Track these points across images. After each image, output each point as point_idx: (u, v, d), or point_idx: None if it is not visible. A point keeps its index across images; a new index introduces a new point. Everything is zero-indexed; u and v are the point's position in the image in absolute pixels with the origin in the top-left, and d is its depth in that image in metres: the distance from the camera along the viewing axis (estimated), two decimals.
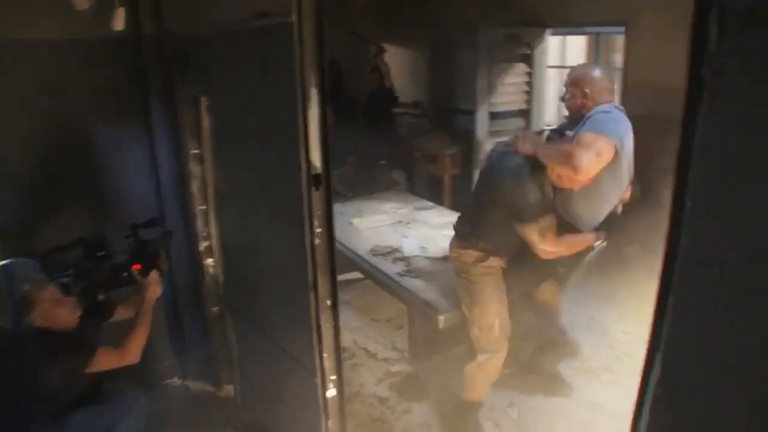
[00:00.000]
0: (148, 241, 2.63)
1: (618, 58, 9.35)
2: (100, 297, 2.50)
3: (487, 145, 5.31)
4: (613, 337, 3.73)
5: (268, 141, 2.25)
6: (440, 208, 4.59)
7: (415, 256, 3.50)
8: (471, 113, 5.22)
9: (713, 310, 0.85)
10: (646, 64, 4.50)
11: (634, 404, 1.12)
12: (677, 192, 0.99)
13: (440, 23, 5.39)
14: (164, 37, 2.96)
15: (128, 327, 2.44)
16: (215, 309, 3.26)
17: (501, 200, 2.57)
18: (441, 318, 2.86)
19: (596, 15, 4.76)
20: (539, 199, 2.48)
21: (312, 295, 2.12)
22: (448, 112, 5.58)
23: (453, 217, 4.27)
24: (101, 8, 2.56)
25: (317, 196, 2.04)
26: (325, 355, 2.19)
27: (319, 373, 2.22)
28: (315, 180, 2.02)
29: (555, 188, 2.50)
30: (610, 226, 2.75)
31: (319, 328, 2.16)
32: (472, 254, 2.72)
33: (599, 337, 3.77)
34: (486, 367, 2.78)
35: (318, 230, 2.06)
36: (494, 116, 5.32)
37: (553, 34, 5.49)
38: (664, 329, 0.94)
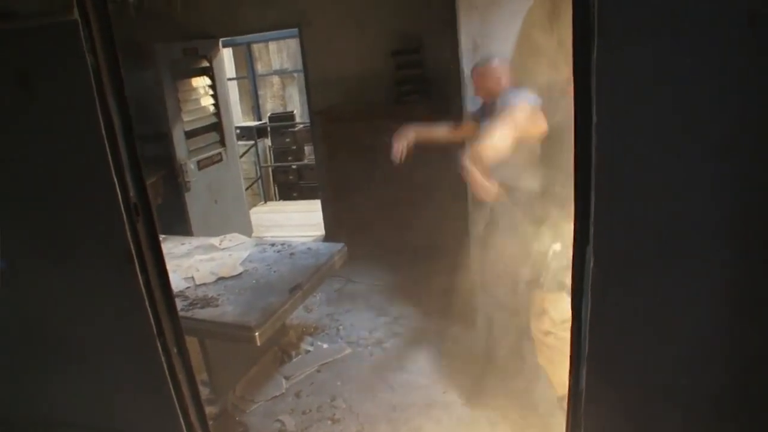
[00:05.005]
0: None
1: (260, 67, 10.06)
2: None
3: (190, 165, 5.09)
4: None
5: (50, 174, 1.75)
6: (172, 237, 4.21)
7: (187, 288, 3.18)
8: (165, 136, 4.90)
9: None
10: (321, 60, 4.92)
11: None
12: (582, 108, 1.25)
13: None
14: None
15: None
16: None
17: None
18: (257, 335, 2.69)
19: (267, 21, 4.98)
20: None
21: (159, 343, 1.79)
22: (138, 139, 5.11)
23: (192, 242, 4.00)
24: None
25: (141, 229, 1.72)
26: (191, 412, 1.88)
27: None
28: (135, 209, 1.70)
29: None
30: None
31: (175, 379, 1.83)
32: None
33: None
34: None
35: (150, 267, 1.75)
36: (189, 135, 5.10)
37: (224, 46, 5.52)
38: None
